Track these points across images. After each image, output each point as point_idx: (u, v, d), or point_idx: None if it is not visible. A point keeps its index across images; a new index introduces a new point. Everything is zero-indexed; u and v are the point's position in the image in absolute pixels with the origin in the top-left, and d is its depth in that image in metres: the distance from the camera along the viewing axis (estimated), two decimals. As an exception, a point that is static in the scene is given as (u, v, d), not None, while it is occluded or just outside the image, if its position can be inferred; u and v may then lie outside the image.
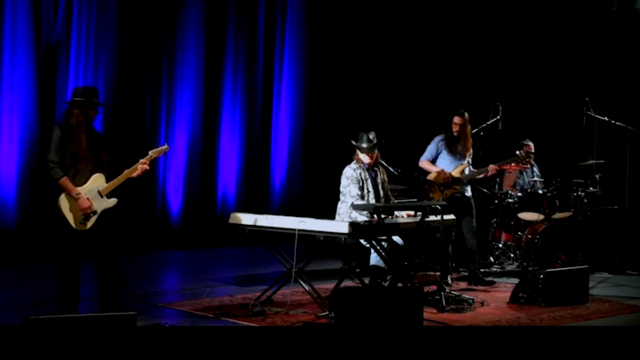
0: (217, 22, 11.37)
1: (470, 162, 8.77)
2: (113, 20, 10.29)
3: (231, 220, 7.61)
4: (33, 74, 9.64)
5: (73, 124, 6.49)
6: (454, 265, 9.53)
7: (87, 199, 6.43)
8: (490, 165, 8.86)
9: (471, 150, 8.81)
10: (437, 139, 8.80)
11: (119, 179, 6.59)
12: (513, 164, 9.27)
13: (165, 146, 6.93)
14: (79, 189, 6.42)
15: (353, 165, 7.69)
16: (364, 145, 7.62)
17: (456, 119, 8.69)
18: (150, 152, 6.77)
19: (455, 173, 8.64)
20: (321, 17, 12.29)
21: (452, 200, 8.50)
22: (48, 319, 5.13)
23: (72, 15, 9.93)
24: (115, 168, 6.68)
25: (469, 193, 8.76)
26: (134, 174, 6.64)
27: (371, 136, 7.63)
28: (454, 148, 8.70)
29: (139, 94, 10.61)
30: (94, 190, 6.49)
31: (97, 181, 6.52)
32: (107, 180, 6.58)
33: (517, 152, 9.06)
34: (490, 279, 8.57)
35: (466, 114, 8.74)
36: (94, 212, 6.47)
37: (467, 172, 8.70)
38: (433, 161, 8.76)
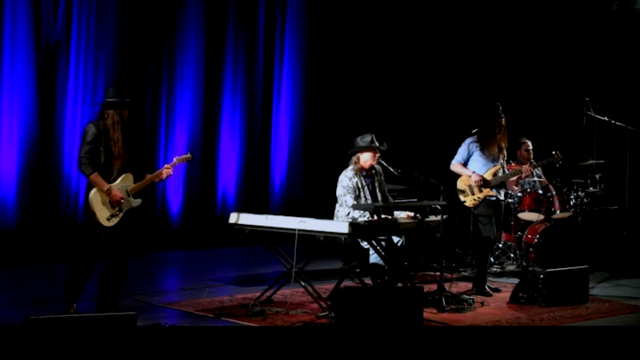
0: (217, 22, 11.37)
1: (503, 164, 8.38)
2: (113, 20, 10.29)
3: (231, 220, 7.61)
4: (33, 74, 9.64)
5: (109, 124, 6.58)
6: (454, 265, 9.56)
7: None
8: (524, 167, 8.65)
9: (505, 152, 8.41)
10: (468, 141, 8.36)
11: (145, 181, 6.76)
12: (513, 164, 9.25)
13: (189, 155, 7.13)
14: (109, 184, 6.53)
15: (349, 173, 7.60)
16: (368, 144, 7.56)
17: (502, 121, 8.25)
18: (174, 159, 6.99)
19: (488, 176, 8.25)
20: (321, 17, 12.29)
21: (487, 204, 8.23)
22: (48, 319, 5.14)
23: (72, 15, 9.93)
24: (140, 169, 6.80)
25: (502, 197, 8.40)
26: (157, 179, 6.82)
27: (372, 137, 7.63)
28: (488, 150, 8.28)
29: (139, 94, 10.61)
30: (122, 189, 6.60)
31: (126, 180, 6.64)
32: (134, 181, 6.71)
33: (553, 152, 8.87)
34: (495, 286, 8.48)
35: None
36: (120, 210, 6.58)
37: (500, 174, 8.32)
38: (465, 164, 8.34)
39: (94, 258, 6.61)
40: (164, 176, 6.85)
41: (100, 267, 6.71)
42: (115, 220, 6.54)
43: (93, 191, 6.48)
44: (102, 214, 6.49)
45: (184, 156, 7.08)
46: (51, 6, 9.75)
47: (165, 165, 6.89)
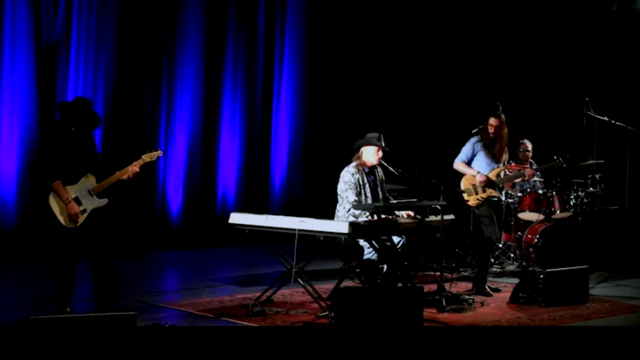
0: (217, 22, 11.37)
1: (505, 164, 8.40)
2: (113, 20, 10.29)
3: (231, 220, 7.61)
4: (33, 74, 9.64)
5: (67, 129, 6.62)
6: (454, 265, 9.56)
7: (77, 198, 6.56)
8: (527, 169, 8.65)
9: (507, 154, 8.44)
10: (473, 140, 8.35)
11: (110, 179, 6.72)
12: (513, 164, 9.25)
13: (159, 151, 7.02)
14: (68, 188, 6.55)
15: (351, 169, 7.58)
16: (373, 140, 7.55)
17: (492, 121, 8.24)
18: (143, 156, 6.89)
19: (492, 176, 8.24)
20: (321, 17, 12.29)
21: (489, 204, 8.23)
22: (48, 319, 5.14)
23: (72, 15, 9.94)
24: (107, 170, 6.79)
25: (504, 197, 8.43)
26: (124, 176, 6.74)
27: (380, 136, 7.62)
28: (491, 150, 8.28)
29: (139, 94, 10.61)
30: (83, 189, 6.62)
31: (86, 181, 6.65)
32: (98, 181, 6.68)
33: (555, 157, 8.85)
34: (495, 286, 8.48)
35: (502, 116, 8.27)
36: (84, 211, 6.59)
37: (502, 175, 8.33)
38: (468, 163, 8.33)
39: (68, 258, 6.61)
40: (131, 174, 6.74)
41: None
42: (79, 221, 6.56)
43: (52, 194, 6.54)
44: (63, 216, 6.54)
45: (153, 153, 6.94)
46: (51, 6, 9.75)
47: (133, 163, 6.77)
